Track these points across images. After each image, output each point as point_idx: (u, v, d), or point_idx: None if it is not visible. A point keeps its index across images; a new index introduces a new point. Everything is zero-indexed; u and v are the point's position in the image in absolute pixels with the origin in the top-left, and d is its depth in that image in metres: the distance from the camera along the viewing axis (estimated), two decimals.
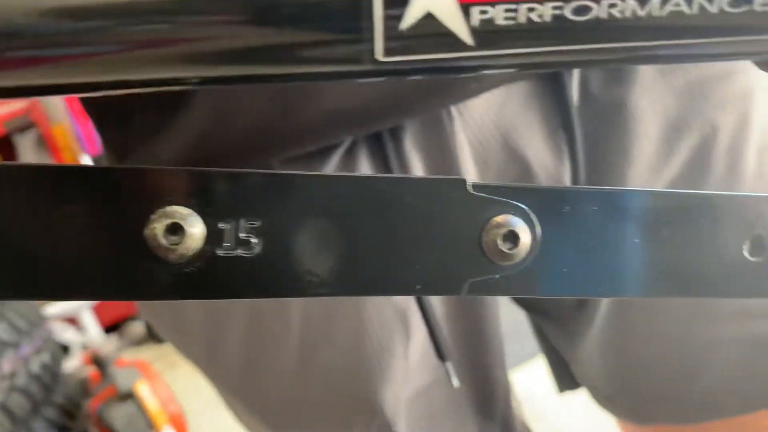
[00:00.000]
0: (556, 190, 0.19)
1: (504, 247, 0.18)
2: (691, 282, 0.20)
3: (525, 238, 0.18)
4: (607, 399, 0.48)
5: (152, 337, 2.07)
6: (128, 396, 1.43)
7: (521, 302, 0.48)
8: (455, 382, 0.39)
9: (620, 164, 0.39)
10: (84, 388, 1.61)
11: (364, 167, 0.36)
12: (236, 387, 0.42)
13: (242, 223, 0.16)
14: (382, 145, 0.36)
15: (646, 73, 0.38)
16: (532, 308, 0.48)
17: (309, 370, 0.38)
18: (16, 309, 1.38)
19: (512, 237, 0.18)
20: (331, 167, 0.36)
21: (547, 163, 0.39)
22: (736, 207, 0.20)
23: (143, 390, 1.44)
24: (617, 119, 0.39)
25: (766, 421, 0.45)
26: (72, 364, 1.76)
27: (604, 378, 0.46)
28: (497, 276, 0.18)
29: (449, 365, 0.38)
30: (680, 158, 0.40)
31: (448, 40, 0.14)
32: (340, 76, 0.14)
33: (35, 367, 1.42)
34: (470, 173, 0.38)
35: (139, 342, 2.06)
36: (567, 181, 0.39)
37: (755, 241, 0.20)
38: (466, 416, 0.45)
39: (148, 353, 1.92)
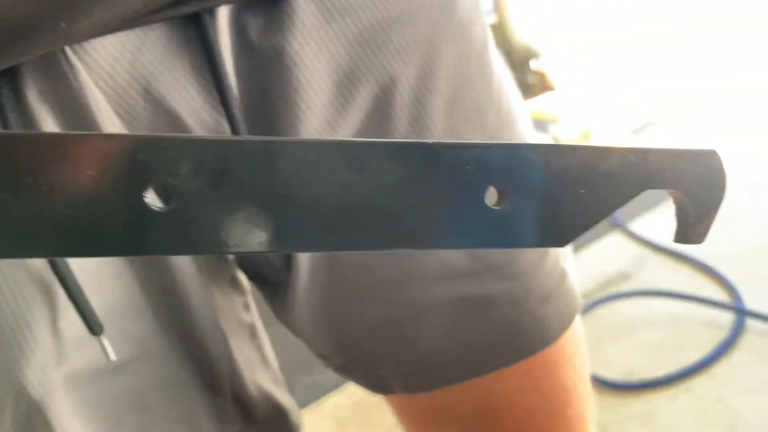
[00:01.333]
0: None
1: None
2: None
3: None
4: (343, 369, 0.46)
5: None
6: None
7: (244, 270, 0.46)
8: (111, 356, 0.36)
9: (289, 117, 0.36)
10: None
11: None
12: None
13: None
14: None
15: (307, 19, 0.35)
16: (250, 275, 0.45)
17: None
18: None
19: None
20: None
21: (203, 116, 0.36)
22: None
23: None
24: (279, 69, 0.35)
25: (498, 386, 0.43)
26: None
27: (330, 347, 0.44)
28: None
29: (104, 340, 0.36)
30: (358, 111, 0.37)
31: None
32: None
33: None
34: (115, 127, 0.35)
35: None
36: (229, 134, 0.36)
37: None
38: (192, 393, 0.43)
39: None
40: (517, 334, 0.40)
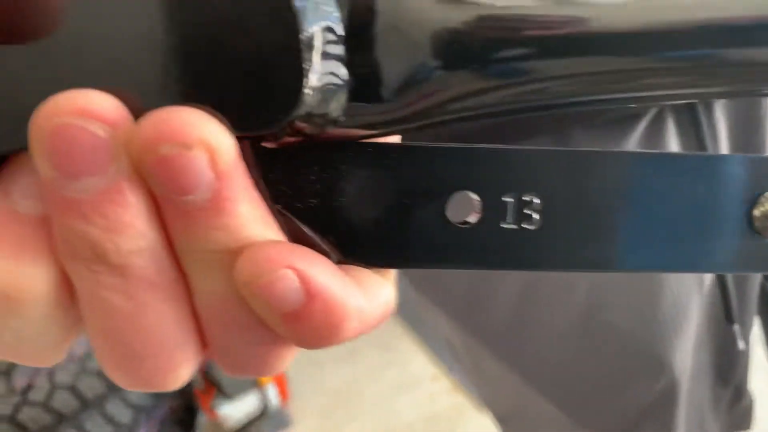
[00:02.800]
0: None
1: None
2: None
3: None
4: None
5: None
6: None
7: None
8: (741, 344, 0.39)
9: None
10: None
11: (671, 136, 0.36)
12: (497, 341, 0.43)
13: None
14: (694, 114, 0.36)
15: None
16: None
17: (590, 328, 0.39)
18: None
19: None
20: (636, 135, 0.36)
21: None
22: None
23: None
24: None
25: None
26: None
27: None
28: None
29: (736, 327, 0.39)
30: None
31: None
32: None
33: None
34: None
35: None
36: None
37: None
38: (705, 378, 0.45)
39: None
40: None
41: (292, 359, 0.16)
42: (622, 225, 0.17)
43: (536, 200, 0.16)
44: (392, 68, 0.14)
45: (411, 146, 0.16)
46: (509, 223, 0.16)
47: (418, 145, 0.16)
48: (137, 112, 0.13)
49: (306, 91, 0.13)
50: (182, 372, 0.15)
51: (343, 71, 0.14)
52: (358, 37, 0.14)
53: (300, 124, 0.14)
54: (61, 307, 0.14)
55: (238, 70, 0.13)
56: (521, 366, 0.43)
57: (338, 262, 0.16)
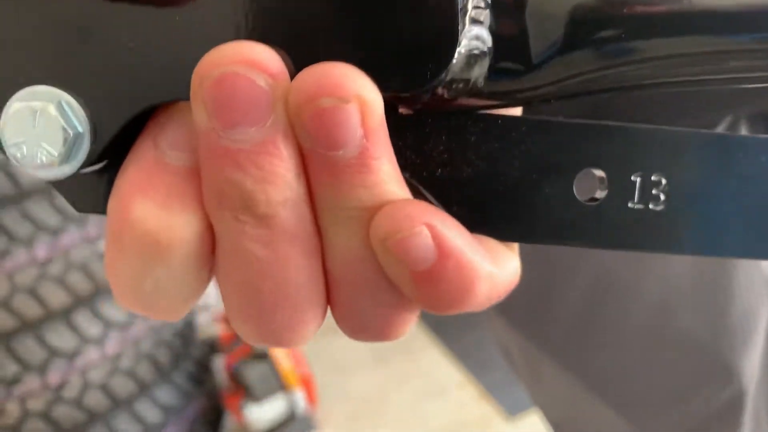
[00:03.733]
0: None
1: None
2: None
3: None
4: None
5: None
6: (263, 355, 1.48)
7: None
8: None
9: None
10: (213, 345, 1.69)
11: None
12: (560, 348, 0.43)
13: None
14: None
15: None
16: None
17: (657, 334, 0.39)
18: None
19: None
20: None
21: None
22: None
23: (278, 351, 1.49)
24: None
25: None
26: (200, 321, 1.84)
27: None
28: None
29: None
30: None
31: None
32: None
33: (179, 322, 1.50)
34: None
35: None
36: None
37: None
38: (765, 386, 0.44)
39: None
40: None
41: (413, 326, 0.16)
42: (743, 211, 0.16)
43: (663, 180, 0.16)
44: (532, 40, 0.14)
45: (541, 120, 0.16)
46: (636, 203, 0.16)
47: (548, 119, 0.16)
48: (288, 68, 0.13)
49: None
50: (309, 329, 0.15)
51: (487, 38, 0.14)
52: (504, 6, 0.14)
53: (440, 90, 0.14)
54: (202, 257, 0.14)
55: (391, 29, 0.13)
56: (584, 373, 0.42)
57: None
